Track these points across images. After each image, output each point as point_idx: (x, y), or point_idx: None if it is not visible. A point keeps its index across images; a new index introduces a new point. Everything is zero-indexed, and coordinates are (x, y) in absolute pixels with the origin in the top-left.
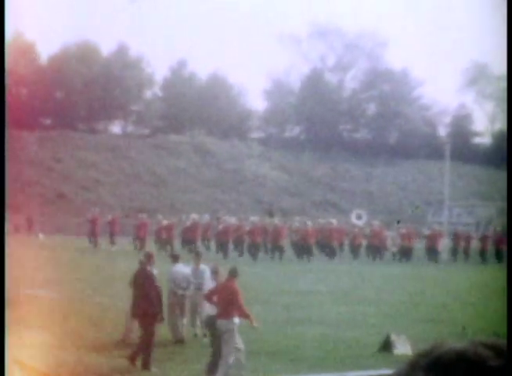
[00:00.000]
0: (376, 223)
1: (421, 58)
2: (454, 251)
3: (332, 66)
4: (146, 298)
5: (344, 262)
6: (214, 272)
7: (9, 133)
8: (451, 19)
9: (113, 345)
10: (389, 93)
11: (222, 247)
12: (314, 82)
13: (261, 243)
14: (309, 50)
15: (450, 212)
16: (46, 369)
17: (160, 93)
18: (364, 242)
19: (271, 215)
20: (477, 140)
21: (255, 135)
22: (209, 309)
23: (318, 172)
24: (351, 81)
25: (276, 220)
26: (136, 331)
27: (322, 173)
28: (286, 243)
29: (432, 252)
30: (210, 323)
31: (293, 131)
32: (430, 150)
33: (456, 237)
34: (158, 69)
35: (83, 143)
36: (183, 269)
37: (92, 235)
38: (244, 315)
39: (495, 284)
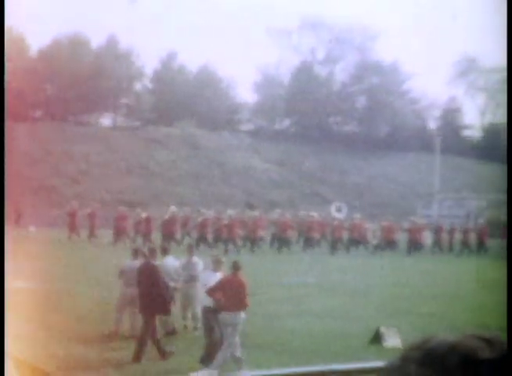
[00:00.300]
0: (357, 216)
1: (411, 51)
2: (436, 244)
3: (322, 59)
4: (153, 292)
5: (332, 254)
6: (217, 264)
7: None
8: (441, 12)
9: (103, 337)
10: (379, 86)
11: (201, 239)
12: (303, 75)
13: (240, 235)
14: (299, 43)
15: (440, 205)
16: (35, 362)
17: (149, 86)
18: (345, 235)
19: (251, 207)
20: (467, 133)
21: (245, 127)
22: (205, 301)
23: (307, 165)
24: (340, 74)
25: (257, 213)
26: (126, 324)
27: (312, 165)
28: (266, 235)
29: (414, 245)
30: (207, 314)
31: (283, 123)
32: (421, 142)
33: (438, 230)
34: (148, 61)
35: (73, 135)
36: (173, 261)
37: (72, 228)
38: (244, 307)
39: (483, 277)
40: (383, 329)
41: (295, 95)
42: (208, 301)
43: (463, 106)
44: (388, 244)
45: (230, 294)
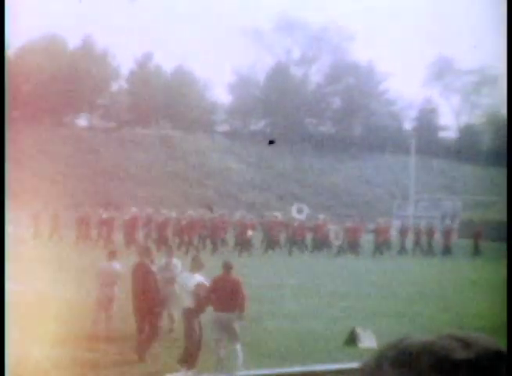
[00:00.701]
0: (321, 217)
1: (387, 52)
2: (402, 244)
3: (297, 60)
4: (147, 292)
5: (307, 255)
6: (196, 265)
7: None
8: (417, 13)
9: (79, 338)
10: (354, 87)
11: (162, 240)
12: (279, 76)
13: (201, 236)
14: (274, 43)
15: (416, 205)
16: (11, 363)
17: (126, 86)
18: (307, 235)
19: (210, 209)
20: (442, 134)
21: (220, 128)
22: (185, 302)
23: (283, 166)
24: (316, 75)
25: (216, 214)
26: (102, 325)
27: (287, 167)
28: (229, 236)
29: (381, 246)
30: (188, 315)
31: (258, 124)
32: (396, 143)
33: (404, 231)
34: (124, 62)
35: (49, 137)
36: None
37: (36, 229)
38: (242, 307)
39: (458, 276)
40: (358, 330)
41: (271, 96)
42: (189, 303)
43: (438, 107)
44: (352, 245)
45: (223, 294)
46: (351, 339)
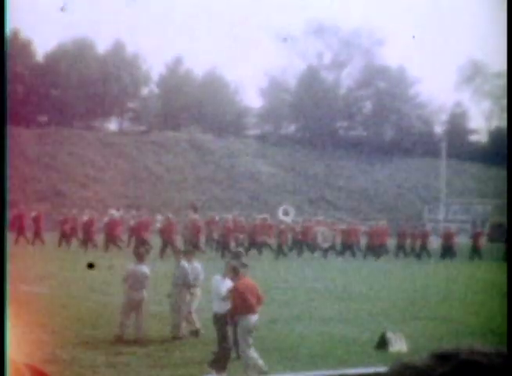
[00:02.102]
0: (313, 219)
1: (417, 55)
2: (399, 248)
3: (328, 64)
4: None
5: (337, 259)
6: (233, 271)
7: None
8: (447, 17)
9: (108, 341)
10: (385, 91)
11: (141, 242)
12: (310, 80)
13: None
14: (305, 48)
15: (447, 209)
16: (41, 366)
17: (156, 90)
18: (294, 238)
19: (195, 209)
20: (473, 138)
21: (251, 132)
22: (216, 307)
23: (314, 169)
24: (347, 79)
25: (197, 216)
26: (131, 328)
27: (318, 170)
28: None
29: (373, 249)
30: (220, 321)
31: (289, 128)
32: (427, 147)
33: (401, 235)
34: (154, 66)
35: (79, 140)
36: (186, 265)
37: (18, 232)
38: (260, 304)
39: (483, 280)
40: (389, 334)
41: (301, 100)
42: (220, 308)
43: (469, 110)
44: (348, 247)
45: (253, 297)
46: (382, 343)
